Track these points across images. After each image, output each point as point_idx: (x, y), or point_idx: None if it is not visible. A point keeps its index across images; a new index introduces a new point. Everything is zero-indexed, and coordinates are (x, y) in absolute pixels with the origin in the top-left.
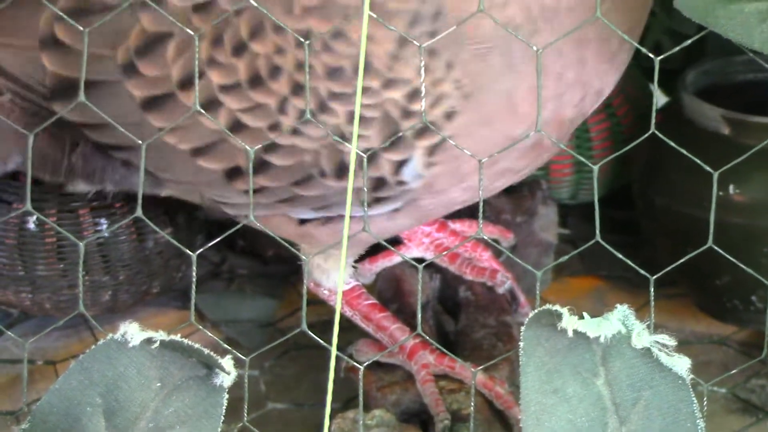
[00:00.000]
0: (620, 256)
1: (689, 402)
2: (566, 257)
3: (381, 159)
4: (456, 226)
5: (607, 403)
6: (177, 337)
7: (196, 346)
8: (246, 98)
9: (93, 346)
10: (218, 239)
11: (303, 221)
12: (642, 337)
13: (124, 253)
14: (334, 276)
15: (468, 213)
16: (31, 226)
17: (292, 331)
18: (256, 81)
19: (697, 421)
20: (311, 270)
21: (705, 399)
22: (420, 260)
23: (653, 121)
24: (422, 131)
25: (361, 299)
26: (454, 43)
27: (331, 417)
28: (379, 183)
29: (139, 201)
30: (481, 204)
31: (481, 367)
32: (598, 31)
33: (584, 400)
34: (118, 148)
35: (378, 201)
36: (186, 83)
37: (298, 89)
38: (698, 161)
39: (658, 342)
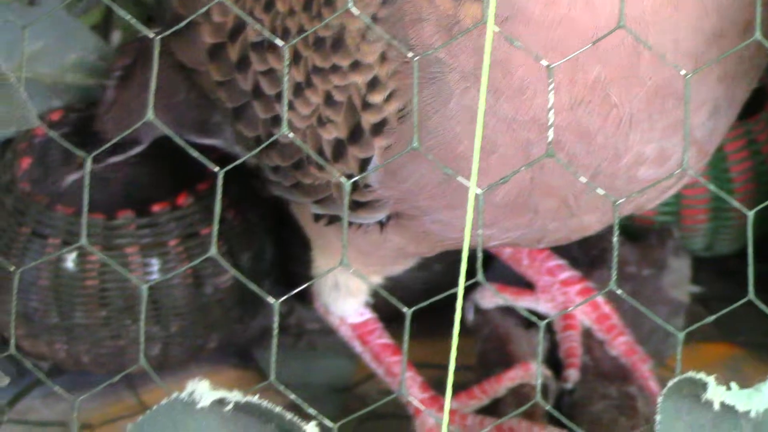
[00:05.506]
0: None
1: None
2: (707, 320)
3: (348, 153)
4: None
5: None
6: (254, 399)
7: (278, 409)
8: (264, 60)
9: (154, 407)
10: (297, 290)
11: (317, 218)
12: None
13: (177, 299)
14: (344, 304)
15: (587, 262)
16: (70, 265)
17: (371, 397)
18: (271, 43)
19: None
20: (321, 290)
21: None
22: (540, 315)
23: None
24: (379, 127)
25: (374, 336)
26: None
27: None
28: (354, 183)
29: (214, 238)
30: (615, 254)
31: None
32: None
33: None
34: None
35: (359, 206)
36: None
37: (297, 58)
38: None
39: None
